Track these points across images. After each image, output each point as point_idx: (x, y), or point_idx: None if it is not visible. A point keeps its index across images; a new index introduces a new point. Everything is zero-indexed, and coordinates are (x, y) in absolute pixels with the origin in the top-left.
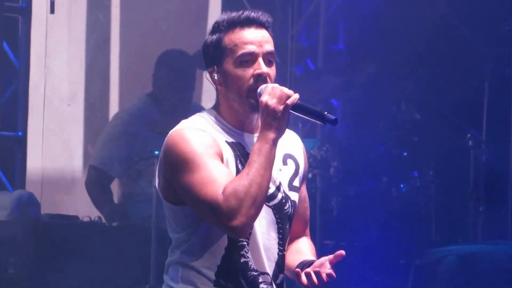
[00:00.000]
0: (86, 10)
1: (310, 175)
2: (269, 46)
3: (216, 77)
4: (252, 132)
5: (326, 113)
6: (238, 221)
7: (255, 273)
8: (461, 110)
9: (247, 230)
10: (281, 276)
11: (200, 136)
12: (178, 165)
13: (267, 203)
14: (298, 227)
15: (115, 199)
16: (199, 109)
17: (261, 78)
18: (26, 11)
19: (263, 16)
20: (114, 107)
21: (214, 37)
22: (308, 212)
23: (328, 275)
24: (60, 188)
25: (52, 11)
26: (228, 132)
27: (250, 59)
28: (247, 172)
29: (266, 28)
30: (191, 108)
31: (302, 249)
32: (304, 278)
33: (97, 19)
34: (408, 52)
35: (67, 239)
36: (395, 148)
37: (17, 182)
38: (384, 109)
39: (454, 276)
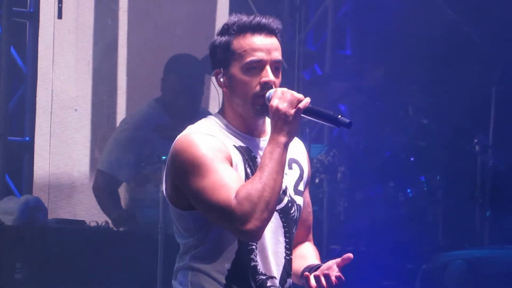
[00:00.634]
0: (94, 15)
1: (317, 180)
2: (277, 54)
3: (222, 80)
4: (258, 136)
5: (340, 116)
6: (252, 224)
7: (263, 277)
8: (468, 115)
9: (260, 234)
10: (289, 280)
11: (209, 141)
12: (187, 170)
13: None
14: (301, 232)
15: (123, 203)
16: (207, 114)
17: (267, 86)
18: (33, 16)
19: (274, 23)
20: (121, 112)
21: (223, 39)
22: (311, 217)
23: (337, 277)
24: (67, 193)
25: (59, 16)
26: (235, 136)
27: (257, 66)
28: (260, 176)
29: (276, 35)
30: (200, 113)
31: (307, 254)
32: (313, 282)
33: (105, 24)
34: (415, 57)
35: (74, 244)
36: (402, 153)
37: (24, 187)
38: (392, 114)
39: (461, 281)
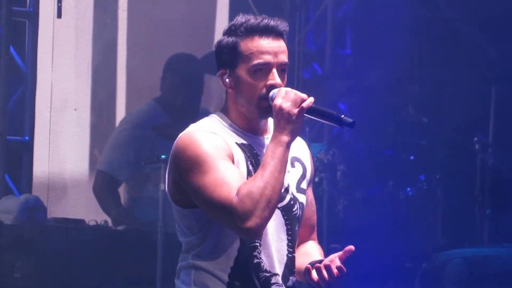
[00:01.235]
0: (93, 14)
1: (317, 179)
2: (284, 57)
3: (227, 81)
4: (260, 134)
5: (343, 116)
6: (252, 222)
7: (267, 274)
8: (468, 114)
9: (261, 232)
10: (291, 278)
11: (211, 138)
12: (189, 167)
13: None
14: (305, 231)
15: (122, 202)
16: (207, 113)
17: (273, 89)
18: (33, 16)
19: (282, 25)
20: (121, 111)
21: (230, 40)
22: (315, 217)
23: (338, 268)
24: (66, 192)
25: (59, 15)
26: (237, 133)
27: (264, 68)
28: (262, 174)
29: (283, 38)
30: (200, 112)
31: (310, 251)
32: (314, 274)
33: (104, 23)
34: (415, 56)
35: (73, 243)
36: (402, 152)
37: (23, 186)
38: (391, 113)
39: (461, 280)
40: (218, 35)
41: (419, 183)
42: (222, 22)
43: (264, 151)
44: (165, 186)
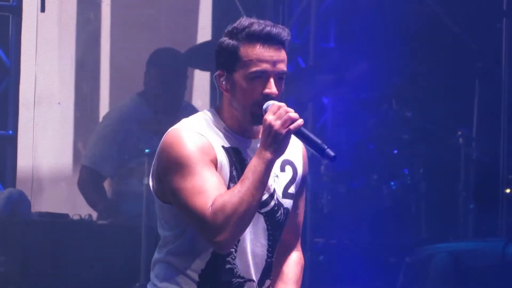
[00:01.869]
0: (77, 9)
1: None
2: (283, 66)
3: (224, 83)
4: (251, 137)
5: (326, 148)
6: (222, 237)
7: (240, 280)
8: (452, 108)
9: (229, 246)
10: (267, 281)
11: (197, 140)
12: (171, 167)
13: (258, 210)
14: (289, 235)
15: (108, 197)
16: (191, 108)
17: (269, 98)
18: (16, 10)
19: (283, 34)
20: (104, 106)
21: (231, 43)
22: (301, 219)
23: None
24: (50, 186)
25: (42, 9)
26: (226, 136)
27: (262, 76)
28: (239, 189)
29: (284, 46)
30: (183, 106)
31: (288, 278)
32: None
33: (88, 17)
34: (399, 50)
35: (57, 237)
36: (385, 146)
37: (7, 181)
38: (375, 107)
39: (445, 274)
40: (201, 29)
41: (403, 177)
42: (205, 17)
43: (252, 155)
44: (148, 177)
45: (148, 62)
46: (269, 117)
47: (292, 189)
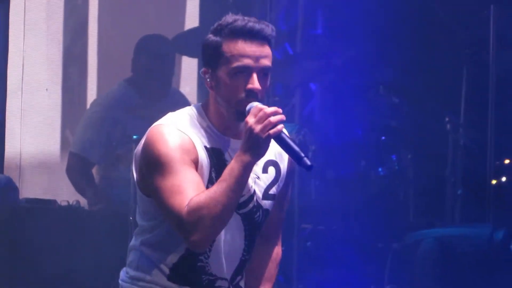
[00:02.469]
0: None
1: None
2: (266, 61)
3: (208, 80)
4: (235, 137)
5: (304, 156)
6: (195, 237)
7: (211, 278)
8: (439, 94)
9: (204, 246)
10: (238, 277)
11: (179, 139)
12: (152, 164)
13: (237, 211)
14: (270, 229)
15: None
16: (178, 94)
17: (252, 94)
18: None
19: (267, 30)
20: (92, 92)
21: (214, 39)
22: (283, 216)
23: None
24: (38, 173)
25: None
26: (210, 134)
27: (245, 72)
28: (215, 190)
29: (268, 42)
30: (171, 93)
31: (262, 276)
32: None
33: (75, 4)
34: (386, 36)
35: (45, 223)
36: (373, 132)
37: None
38: (362, 93)
39: (432, 259)
40: (188, 16)
41: (391, 163)
42: (193, 3)
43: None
44: (132, 167)
45: (136, 48)
46: (250, 120)
47: (273, 190)
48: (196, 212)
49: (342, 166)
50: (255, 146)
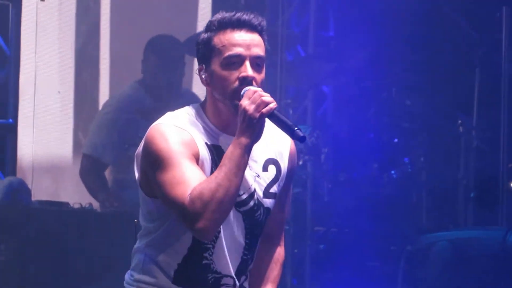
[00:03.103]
0: None
1: (301, 162)
2: (258, 50)
3: (203, 77)
4: (234, 134)
5: (296, 128)
6: (201, 223)
7: (217, 275)
8: (452, 96)
9: (211, 233)
10: (242, 278)
11: (179, 135)
12: (153, 160)
13: (238, 209)
14: (272, 230)
15: (109, 186)
16: (190, 94)
17: (246, 81)
18: None
19: (255, 19)
20: (104, 94)
21: (205, 36)
22: (284, 216)
23: None
24: (50, 175)
25: None
26: (209, 132)
27: (237, 61)
28: (216, 175)
29: (259, 32)
30: (182, 93)
31: (265, 277)
32: None
33: (87, 6)
34: (398, 38)
35: (57, 225)
36: (386, 134)
37: (8, 169)
38: (375, 95)
39: (445, 262)
40: (201, 17)
41: (403, 165)
42: (205, 4)
43: None
44: (134, 169)
45: (146, 49)
46: (244, 102)
47: (274, 188)
48: (199, 198)
49: (355, 168)
50: (251, 127)
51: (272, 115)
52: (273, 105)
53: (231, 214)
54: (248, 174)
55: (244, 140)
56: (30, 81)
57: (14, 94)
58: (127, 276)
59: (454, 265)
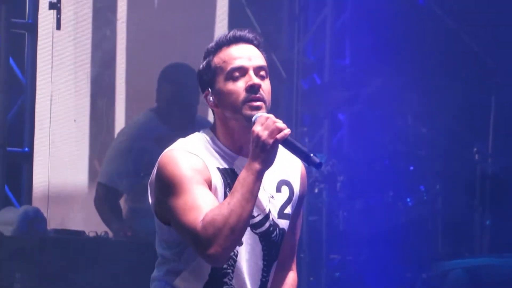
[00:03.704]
0: (92, 26)
1: (316, 190)
2: (260, 61)
3: (211, 99)
4: (246, 155)
5: (312, 155)
6: (213, 250)
7: None
8: (468, 123)
9: (223, 260)
10: None
11: (190, 160)
12: (165, 187)
13: (254, 231)
14: (284, 255)
15: (123, 215)
16: (205, 122)
17: (253, 90)
18: (32, 27)
19: (250, 33)
20: (120, 123)
21: (205, 61)
22: (297, 239)
23: None
24: (66, 204)
25: (58, 27)
26: (222, 156)
27: (240, 73)
28: (229, 201)
29: (256, 45)
30: (196, 121)
31: None
32: None
33: (103, 35)
34: (414, 65)
35: (73, 254)
36: (401, 162)
37: (23, 198)
38: (391, 123)
39: None
40: None
41: (419, 193)
42: (221, 32)
43: None
44: (149, 197)
45: (159, 78)
46: (256, 128)
47: (288, 210)
48: (212, 224)
49: (370, 196)
50: (264, 153)
51: (286, 142)
52: (287, 131)
53: (248, 236)
54: (262, 196)
55: (257, 166)
56: (46, 110)
57: (30, 123)
58: None
59: None
